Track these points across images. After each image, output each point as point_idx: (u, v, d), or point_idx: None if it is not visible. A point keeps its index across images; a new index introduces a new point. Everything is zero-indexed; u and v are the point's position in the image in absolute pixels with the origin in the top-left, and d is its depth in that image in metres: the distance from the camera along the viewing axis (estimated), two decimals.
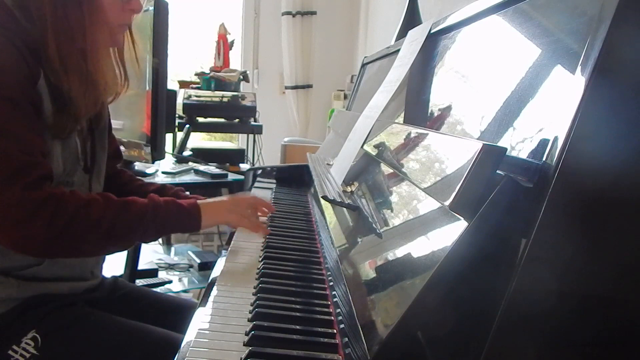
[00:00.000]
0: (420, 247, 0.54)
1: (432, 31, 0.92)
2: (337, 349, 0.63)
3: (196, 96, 2.64)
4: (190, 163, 2.19)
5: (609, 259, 0.43)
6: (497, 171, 0.47)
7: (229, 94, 2.72)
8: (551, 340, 0.42)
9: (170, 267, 2.04)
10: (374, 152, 0.88)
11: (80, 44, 0.88)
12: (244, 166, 2.58)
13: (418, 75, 0.92)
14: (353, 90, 1.85)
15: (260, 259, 0.93)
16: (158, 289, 1.79)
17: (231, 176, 2.00)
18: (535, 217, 0.41)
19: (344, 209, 0.89)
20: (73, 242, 0.85)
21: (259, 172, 1.73)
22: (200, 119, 2.68)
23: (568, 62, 0.47)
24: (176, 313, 1.09)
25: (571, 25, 0.49)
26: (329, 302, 0.76)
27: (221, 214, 1.03)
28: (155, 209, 0.92)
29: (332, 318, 0.71)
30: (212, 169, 2.06)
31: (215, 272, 0.88)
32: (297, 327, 0.67)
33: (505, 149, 0.47)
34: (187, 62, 3.46)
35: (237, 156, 2.63)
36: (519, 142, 0.50)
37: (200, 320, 0.69)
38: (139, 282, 1.80)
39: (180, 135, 2.55)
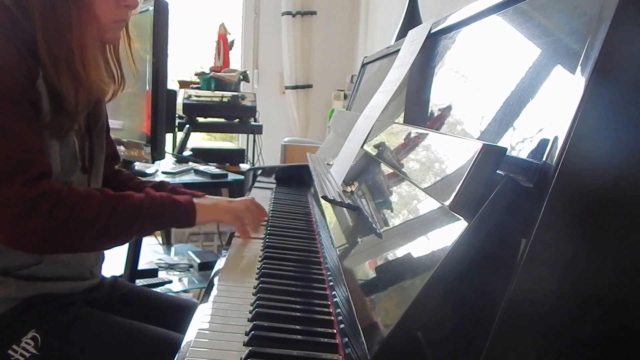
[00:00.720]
0: (420, 247, 0.54)
1: (432, 31, 0.92)
2: (337, 349, 0.63)
3: (196, 96, 2.64)
4: (190, 163, 2.19)
5: (609, 259, 0.43)
6: (497, 171, 0.47)
7: (229, 94, 2.72)
8: (551, 340, 0.42)
9: (170, 267, 2.04)
10: (374, 152, 0.88)
11: (68, 41, 0.88)
12: (244, 166, 2.58)
13: (418, 75, 0.92)
14: (353, 90, 1.85)
15: (260, 259, 0.93)
16: (158, 289, 1.79)
17: (231, 176, 2.00)
18: (535, 217, 0.41)
19: (344, 209, 0.89)
20: (72, 237, 0.85)
21: (259, 172, 1.73)
22: (200, 119, 2.68)
23: (568, 62, 0.47)
24: (176, 313, 1.09)
25: (571, 25, 0.49)
26: (329, 302, 0.76)
27: (216, 212, 1.04)
28: (151, 202, 0.93)
29: (332, 318, 0.71)
30: (212, 169, 2.06)
31: (215, 272, 0.88)
32: (297, 327, 0.67)
33: (505, 149, 0.47)
34: (187, 62, 3.47)
35: (237, 156, 2.63)
36: (519, 142, 0.50)
37: (200, 320, 0.69)
38: (139, 282, 1.80)
39: (180, 135, 2.55)
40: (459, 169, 0.49)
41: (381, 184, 0.80)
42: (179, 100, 2.59)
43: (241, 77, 2.83)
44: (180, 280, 1.96)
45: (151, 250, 2.21)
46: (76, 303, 0.96)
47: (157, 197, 0.95)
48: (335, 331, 0.67)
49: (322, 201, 0.94)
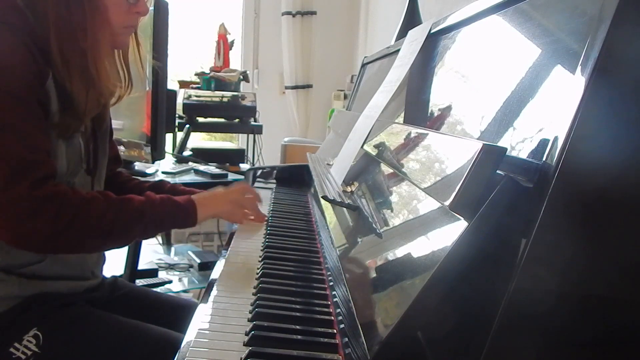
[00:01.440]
0: (420, 247, 0.54)
1: (432, 31, 0.92)
2: (337, 349, 0.63)
3: (196, 96, 2.64)
4: (190, 163, 2.19)
5: (609, 259, 0.43)
6: (497, 171, 0.47)
7: (229, 94, 2.72)
8: (551, 340, 0.42)
9: (170, 267, 2.04)
10: (374, 152, 0.88)
11: (81, 44, 0.89)
12: (244, 166, 2.58)
13: (418, 75, 0.92)
14: (353, 90, 1.85)
15: (260, 259, 0.93)
16: (158, 289, 1.79)
17: (231, 176, 2.00)
18: (535, 217, 0.41)
19: (344, 209, 0.89)
20: (75, 239, 0.86)
21: (259, 172, 1.73)
22: (200, 119, 2.68)
23: (568, 62, 0.47)
24: (176, 313, 1.09)
25: (571, 25, 0.49)
26: (329, 302, 0.76)
27: (215, 204, 1.05)
28: (152, 205, 0.94)
29: (332, 318, 0.71)
30: (212, 169, 2.06)
31: (215, 272, 0.88)
32: (297, 327, 0.67)
33: (505, 149, 0.47)
34: (187, 62, 3.46)
35: (237, 156, 2.63)
36: (519, 142, 0.50)
37: (200, 320, 0.69)
38: (139, 282, 1.80)
39: (180, 135, 2.55)
40: (459, 169, 0.49)
41: (381, 184, 0.80)
42: (179, 100, 2.59)
43: (241, 77, 2.82)
44: (180, 280, 1.96)
45: (151, 250, 2.21)
46: (77, 302, 0.96)
47: (158, 199, 0.96)
48: (335, 331, 0.67)
49: (322, 201, 0.94)
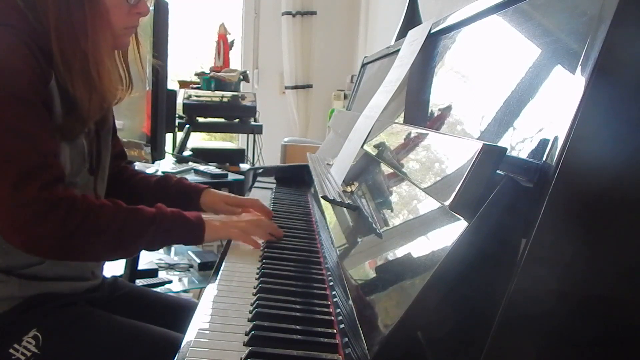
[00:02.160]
0: (420, 247, 0.54)
1: (432, 31, 0.92)
2: (337, 349, 0.63)
3: (196, 96, 2.64)
4: (190, 163, 2.19)
5: (609, 259, 0.43)
6: (497, 171, 0.47)
7: (229, 94, 2.72)
8: (551, 340, 0.42)
9: (170, 267, 2.04)
10: (374, 152, 0.88)
11: (83, 46, 0.88)
12: (244, 166, 2.58)
13: (418, 75, 0.92)
14: (353, 90, 1.85)
15: (260, 259, 0.93)
16: (158, 289, 1.79)
17: (231, 176, 2.01)
18: (535, 217, 0.41)
19: (344, 209, 0.89)
20: (83, 244, 0.85)
21: (259, 172, 1.73)
22: (200, 119, 2.68)
23: (568, 62, 0.47)
24: (176, 313, 1.09)
25: (571, 25, 0.49)
26: (329, 302, 0.76)
27: (224, 230, 1.02)
28: (161, 217, 0.93)
29: (332, 318, 0.71)
30: (212, 169, 2.06)
31: (215, 272, 0.88)
32: (297, 327, 0.67)
33: (505, 149, 0.47)
34: (187, 62, 3.46)
35: (237, 156, 2.63)
36: (519, 142, 0.50)
37: (200, 320, 0.69)
38: (139, 282, 1.80)
39: (180, 135, 2.55)
40: (459, 169, 0.49)
41: (381, 184, 0.80)
42: (179, 100, 2.59)
43: (241, 77, 2.82)
44: (180, 280, 1.96)
45: None
46: (77, 303, 0.96)
47: (168, 212, 0.95)
48: (335, 331, 0.67)
49: (322, 201, 0.94)
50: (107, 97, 0.96)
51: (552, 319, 0.42)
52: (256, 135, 2.88)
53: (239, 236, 1.03)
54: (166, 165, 2.10)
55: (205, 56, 3.37)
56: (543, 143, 0.45)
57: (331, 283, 0.82)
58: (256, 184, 1.64)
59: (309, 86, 3.45)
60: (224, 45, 2.88)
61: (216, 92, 2.71)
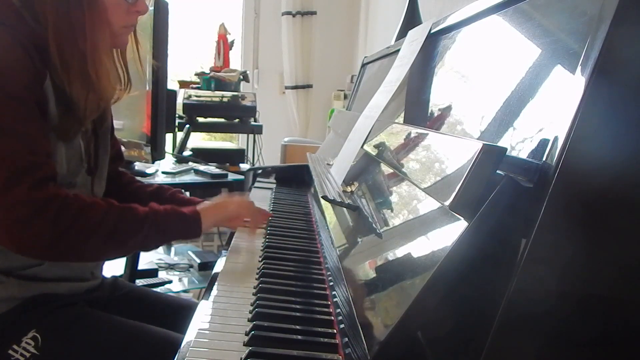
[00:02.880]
0: (420, 247, 0.54)
1: (432, 31, 0.92)
2: (337, 349, 0.63)
3: (196, 96, 2.64)
4: (190, 163, 2.19)
5: (609, 259, 0.43)
6: (497, 171, 0.47)
7: (229, 94, 2.72)
8: (551, 340, 0.42)
9: (170, 267, 2.05)
10: (374, 152, 0.88)
11: (81, 45, 0.88)
12: (244, 166, 2.58)
13: (418, 75, 0.92)
14: (353, 90, 1.85)
15: (260, 259, 0.93)
16: (158, 289, 1.79)
17: (231, 176, 2.00)
18: (535, 217, 0.41)
19: (344, 209, 0.89)
20: (76, 243, 0.85)
21: (259, 172, 1.73)
22: (200, 119, 2.68)
23: (568, 62, 0.47)
24: (176, 313, 1.09)
25: (571, 25, 0.49)
26: (329, 302, 0.76)
27: (219, 212, 1.04)
28: (155, 215, 0.92)
29: (332, 318, 0.71)
30: (212, 169, 2.06)
31: (216, 272, 0.88)
32: (297, 327, 0.67)
33: (505, 149, 0.47)
34: (187, 62, 3.46)
35: (237, 156, 2.63)
36: (519, 142, 0.50)
37: (200, 320, 0.69)
38: (139, 282, 1.80)
39: (180, 135, 2.55)
40: (459, 169, 0.49)
41: (381, 184, 0.80)
42: (179, 100, 2.59)
43: (241, 77, 2.83)
44: (180, 280, 1.96)
45: (151, 250, 2.21)
46: (77, 303, 0.96)
47: (161, 210, 0.94)
48: (335, 331, 0.67)
49: (322, 201, 0.94)
50: (104, 97, 0.95)
51: (552, 319, 0.42)
52: (256, 135, 2.88)
53: (234, 214, 1.06)
54: (166, 165, 2.10)
55: (205, 56, 3.37)
56: (543, 143, 0.45)
57: (331, 283, 0.82)
58: (256, 184, 1.64)
59: (309, 86, 3.45)
60: (224, 45, 2.88)
61: (216, 92, 2.71)
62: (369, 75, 1.62)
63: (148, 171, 1.88)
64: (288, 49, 3.35)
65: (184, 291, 1.93)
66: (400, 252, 0.59)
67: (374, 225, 0.72)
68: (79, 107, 0.90)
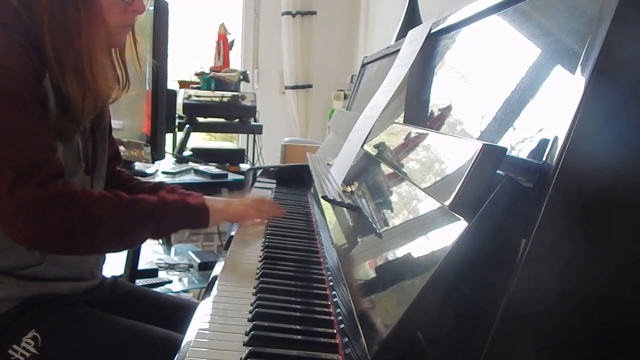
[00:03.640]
0: (420, 247, 0.54)
1: (432, 31, 0.92)
2: (337, 349, 0.63)
3: (196, 96, 2.64)
4: (190, 163, 2.19)
5: (609, 259, 0.43)
6: (497, 171, 0.47)
7: (229, 94, 2.72)
8: (551, 340, 0.42)
9: (170, 267, 2.05)
10: (374, 152, 0.88)
11: (76, 45, 0.88)
12: (244, 166, 2.58)
13: (418, 75, 0.92)
14: (353, 90, 1.85)
15: (260, 259, 0.93)
16: (158, 289, 1.79)
17: (231, 176, 2.00)
18: (535, 217, 0.41)
19: (344, 209, 0.89)
20: (85, 238, 0.85)
21: (259, 172, 1.73)
22: (200, 119, 2.68)
23: (568, 62, 0.47)
24: (176, 313, 1.09)
25: (571, 25, 0.49)
26: (329, 302, 0.76)
27: (227, 212, 1.05)
28: (164, 206, 0.93)
29: (332, 318, 0.71)
30: (212, 169, 2.06)
31: (216, 272, 0.88)
32: (297, 327, 0.67)
33: (505, 149, 0.47)
34: (187, 62, 3.46)
35: (237, 156, 2.63)
36: (519, 142, 0.50)
37: (200, 320, 0.69)
38: (139, 282, 1.80)
39: (180, 135, 2.55)
40: (459, 169, 0.49)
41: (381, 184, 0.80)
42: (179, 100, 2.59)
43: (241, 77, 2.82)
44: (180, 280, 1.96)
45: (151, 250, 2.21)
46: (76, 303, 0.96)
47: (170, 200, 0.96)
48: (335, 331, 0.67)
49: (322, 201, 0.94)
50: (101, 96, 0.95)
51: (552, 319, 0.42)
52: (256, 135, 2.88)
53: (245, 213, 1.07)
54: (166, 165, 2.10)
55: (205, 56, 3.37)
56: (543, 143, 0.45)
57: (331, 283, 0.81)
58: (256, 184, 1.64)
59: (309, 86, 3.45)
60: (224, 45, 2.88)
61: (216, 92, 2.71)
62: (369, 75, 1.62)
63: (148, 171, 1.88)
64: (288, 49, 3.35)
65: (184, 291, 1.93)
66: (400, 252, 0.59)
67: (374, 225, 0.72)
68: (76, 107, 0.90)
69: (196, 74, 2.83)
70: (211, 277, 0.86)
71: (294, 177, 1.71)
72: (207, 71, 2.82)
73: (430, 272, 0.47)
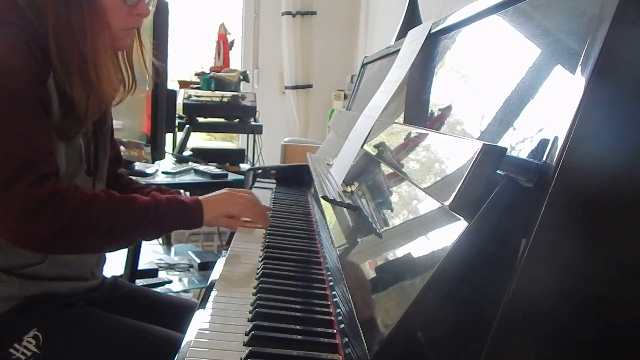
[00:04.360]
0: (420, 247, 0.54)
1: (432, 31, 0.92)
2: (337, 349, 0.63)
3: (196, 96, 2.64)
4: (190, 163, 2.19)
5: (609, 259, 0.43)
6: (497, 171, 0.47)
7: (229, 94, 2.72)
8: (551, 340, 0.42)
9: (170, 267, 2.05)
10: (374, 152, 0.88)
11: (81, 47, 0.88)
12: (244, 166, 2.58)
13: (418, 75, 0.92)
14: (353, 90, 1.85)
15: (260, 259, 0.93)
16: (158, 289, 1.79)
17: (231, 176, 2.00)
18: (535, 217, 0.41)
19: (344, 209, 0.89)
20: (75, 238, 0.85)
21: (259, 172, 1.73)
22: (200, 119, 2.68)
23: (568, 62, 0.47)
24: (176, 313, 1.09)
25: (571, 25, 0.49)
26: (329, 302, 0.76)
27: (223, 205, 1.04)
28: (157, 205, 0.93)
29: (332, 318, 0.71)
30: (212, 169, 2.06)
31: (215, 272, 0.88)
32: (297, 327, 0.67)
33: (505, 149, 0.47)
34: (187, 62, 3.46)
35: (237, 156, 2.63)
36: (519, 142, 0.50)
37: (200, 320, 0.69)
38: (139, 282, 1.80)
39: (180, 135, 2.55)
40: (459, 169, 0.49)
41: (381, 184, 0.80)
42: (179, 100, 2.59)
43: (241, 77, 2.82)
44: (180, 280, 1.96)
45: (151, 250, 2.21)
46: (77, 303, 0.96)
47: (163, 199, 0.95)
48: (335, 331, 0.67)
49: (322, 201, 0.94)
50: (105, 99, 0.95)
51: (552, 319, 0.42)
52: (256, 135, 2.88)
53: (242, 210, 1.06)
54: (166, 165, 2.10)
55: (205, 56, 3.37)
56: (543, 143, 0.45)
57: (331, 283, 0.82)
58: (256, 184, 1.64)
59: (309, 86, 3.45)
60: (224, 45, 2.88)
61: (216, 92, 2.71)
62: (369, 75, 1.62)
63: (148, 171, 1.88)
64: (288, 49, 3.35)
65: (184, 291, 1.93)
66: (400, 252, 0.59)
67: (374, 225, 0.72)
68: (80, 108, 0.90)
69: (196, 74, 2.83)
70: (211, 277, 0.86)
71: (294, 177, 1.71)
72: (207, 71, 2.82)
73: (430, 272, 0.47)
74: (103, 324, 0.94)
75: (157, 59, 1.24)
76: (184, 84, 2.81)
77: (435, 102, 0.81)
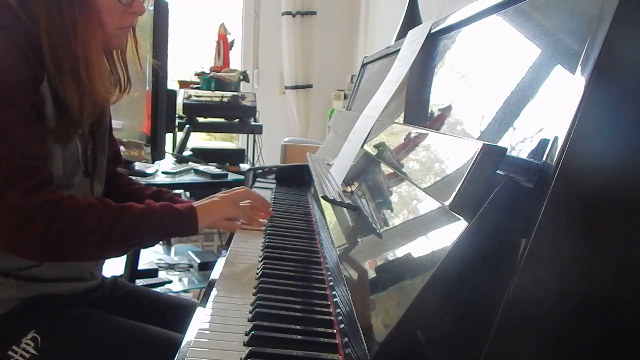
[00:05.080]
0: (420, 247, 0.54)
1: (432, 31, 0.92)
2: (337, 349, 0.63)
3: (196, 96, 2.64)
4: (190, 163, 2.19)
5: (609, 259, 0.43)
6: (497, 171, 0.47)
7: (229, 94, 2.72)
8: (551, 340, 0.42)
9: (170, 267, 2.05)
10: (374, 152, 0.88)
11: (73, 47, 0.87)
12: (244, 166, 2.58)
13: (418, 75, 0.92)
14: (353, 90, 1.85)
15: (260, 259, 0.93)
16: (158, 289, 1.79)
17: (231, 176, 2.00)
18: (535, 217, 0.41)
19: (344, 209, 0.89)
20: (69, 247, 0.85)
21: (259, 172, 1.73)
22: (200, 119, 2.68)
23: (568, 62, 0.47)
24: (176, 313, 1.09)
25: (571, 25, 0.49)
26: (329, 302, 0.76)
27: (218, 210, 1.03)
28: (151, 213, 0.92)
29: (332, 318, 0.71)
30: (212, 169, 2.06)
31: (215, 272, 0.88)
32: (297, 327, 0.67)
33: (505, 149, 0.47)
34: (187, 62, 3.46)
35: (237, 156, 2.63)
36: (519, 142, 0.50)
37: (200, 320, 0.69)
38: (139, 282, 1.80)
39: (180, 135, 2.55)
40: (459, 169, 0.49)
41: (381, 184, 0.80)
42: (179, 100, 2.59)
43: (241, 77, 2.83)
44: (180, 280, 1.97)
45: (151, 250, 2.21)
46: (76, 303, 0.96)
47: (157, 207, 0.94)
48: (335, 331, 0.67)
49: (322, 201, 0.94)
50: (98, 100, 0.94)
51: (552, 319, 0.42)
52: (256, 135, 2.88)
53: (235, 212, 1.06)
54: (166, 165, 2.10)
55: (205, 56, 3.37)
56: (543, 143, 0.45)
57: (331, 283, 0.82)
58: (256, 184, 1.64)
59: (309, 86, 3.45)
60: (224, 45, 2.88)
61: (216, 92, 2.71)
62: (369, 75, 1.62)
63: (148, 171, 1.88)
64: (288, 49, 3.35)
65: (184, 291, 1.93)
66: (400, 252, 0.59)
67: (374, 225, 0.72)
68: (74, 110, 0.89)
69: (196, 74, 2.83)
70: (211, 277, 0.86)
71: (294, 177, 1.71)
72: (207, 71, 2.82)
73: (430, 272, 0.47)
74: (102, 324, 0.94)
75: (156, 59, 1.23)
76: (184, 84, 2.81)
77: (435, 102, 0.81)
